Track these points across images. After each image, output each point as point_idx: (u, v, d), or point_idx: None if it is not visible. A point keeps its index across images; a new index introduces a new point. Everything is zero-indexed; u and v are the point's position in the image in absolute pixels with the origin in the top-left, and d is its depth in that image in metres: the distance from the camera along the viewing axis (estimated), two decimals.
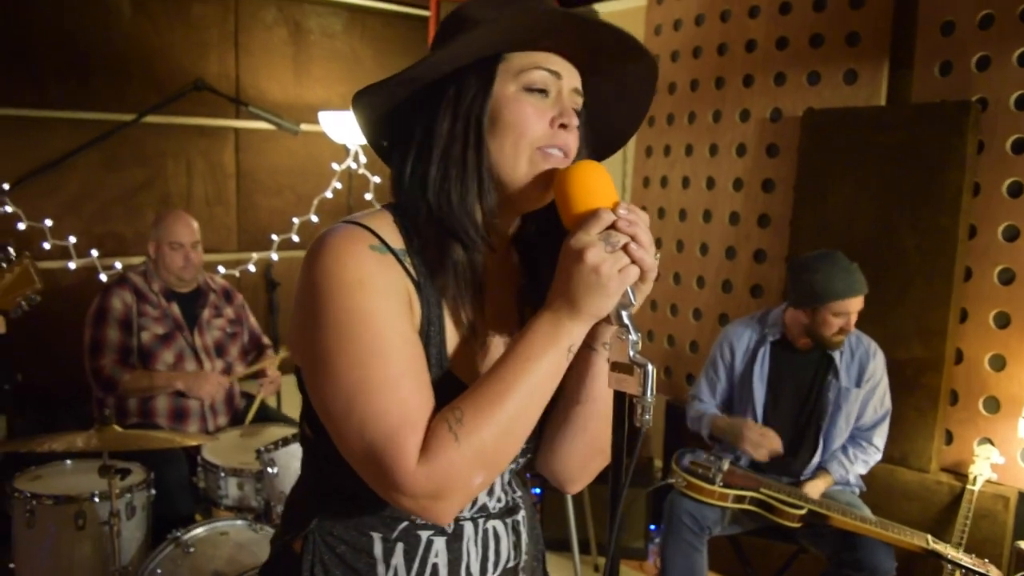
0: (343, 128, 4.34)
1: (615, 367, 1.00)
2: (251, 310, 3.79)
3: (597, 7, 4.69)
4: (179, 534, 2.50)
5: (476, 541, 1.15)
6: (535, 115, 1.05)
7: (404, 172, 1.09)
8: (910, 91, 3.25)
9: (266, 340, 3.69)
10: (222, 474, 2.85)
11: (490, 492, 1.17)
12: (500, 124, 1.05)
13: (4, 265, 2.06)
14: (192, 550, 2.47)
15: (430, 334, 1.06)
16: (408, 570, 1.10)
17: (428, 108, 1.07)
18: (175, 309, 3.31)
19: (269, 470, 2.68)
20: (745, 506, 2.82)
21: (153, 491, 2.78)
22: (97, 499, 2.59)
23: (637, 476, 3.79)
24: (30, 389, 3.73)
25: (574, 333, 0.99)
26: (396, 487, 0.94)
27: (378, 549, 1.10)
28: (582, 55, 1.09)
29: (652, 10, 4.20)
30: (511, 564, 1.20)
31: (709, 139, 3.92)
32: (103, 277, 3.97)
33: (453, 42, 1.03)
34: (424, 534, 1.11)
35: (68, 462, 2.86)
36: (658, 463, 4.04)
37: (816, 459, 2.90)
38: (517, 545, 1.21)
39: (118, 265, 4.03)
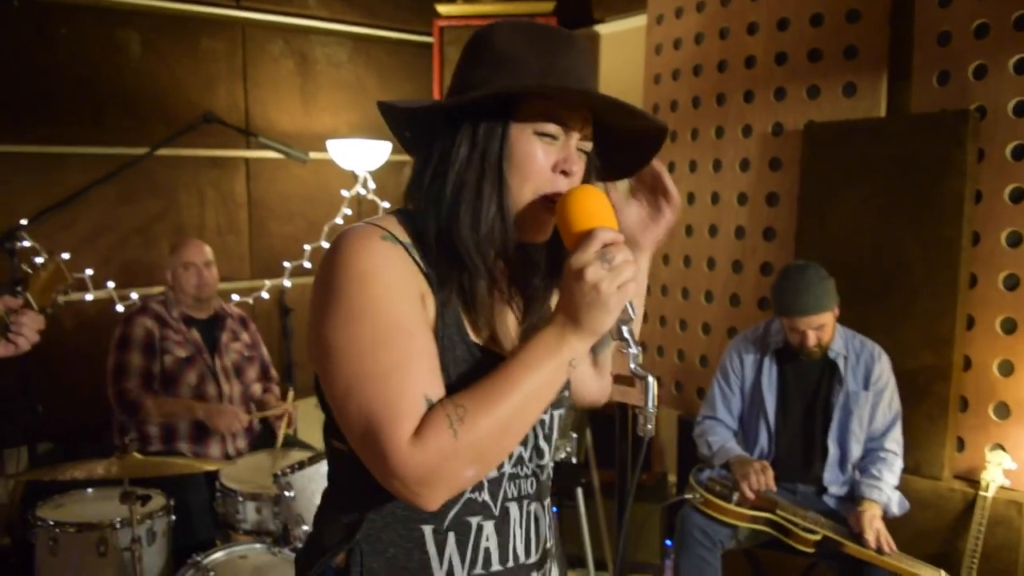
0: (351, 155, 4.40)
1: (618, 380, 1.06)
2: (266, 336, 3.85)
3: (598, 28, 4.77)
4: (199, 558, 2.54)
5: (521, 523, 1.20)
6: (543, 158, 1.11)
7: (420, 185, 1.16)
8: (909, 102, 3.28)
9: (273, 373, 3.76)
10: (240, 499, 2.89)
11: (524, 442, 1.20)
12: (509, 161, 1.11)
13: (38, 264, 2.21)
14: (212, 574, 2.51)
15: (446, 317, 1.11)
16: (462, 558, 1.14)
17: (448, 129, 1.13)
18: (195, 334, 3.42)
19: (286, 494, 2.72)
20: (760, 527, 2.82)
21: (173, 517, 2.82)
22: (119, 526, 2.64)
23: (652, 492, 3.81)
24: (51, 420, 3.78)
25: (576, 348, 1.03)
26: (388, 470, 0.98)
27: (430, 543, 1.13)
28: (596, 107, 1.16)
29: (652, 30, 4.26)
30: (548, 545, 1.26)
31: (712, 155, 3.96)
32: (120, 308, 4.02)
33: (478, 85, 1.10)
34: (474, 520, 1.15)
35: (89, 490, 2.91)
36: (672, 478, 4.05)
37: (834, 465, 2.91)
38: (550, 527, 1.27)
39: (134, 296, 4.10)
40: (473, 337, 1.14)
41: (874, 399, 2.89)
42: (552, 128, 1.11)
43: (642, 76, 4.30)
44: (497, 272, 1.19)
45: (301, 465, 2.74)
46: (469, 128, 1.11)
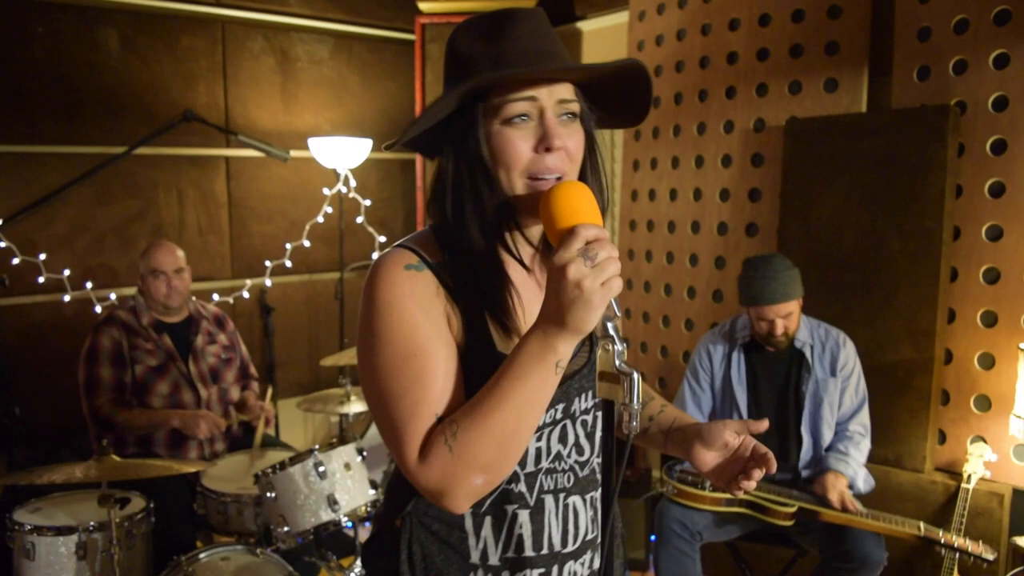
0: (333, 153, 4.38)
1: (603, 376, 1.05)
2: (247, 336, 3.80)
3: (580, 25, 4.76)
4: (180, 560, 2.52)
5: (557, 514, 1.25)
6: (520, 144, 1.13)
7: (430, 200, 1.21)
8: (890, 97, 3.30)
9: (253, 371, 3.68)
10: (221, 500, 2.86)
11: (564, 440, 1.24)
12: (491, 157, 1.13)
13: None
14: None
15: (472, 332, 1.16)
16: (496, 540, 1.22)
17: (441, 144, 1.18)
18: (167, 340, 3.32)
19: (268, 495, 2.70)
20: (736, 508, 2.85)
21: (153, 519, 2.79)
22: (97, 529, 2.60)
23: (636, 487, 3.81)
24: (28, 422, 3.74)
25: (559, 350, 1.04)
26: (410, 481, 1.10)
27: (468, 523, 1.22)
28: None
29: (634, 26, 4.26)
30: (589, 537, 1.29)
31: (695, 151, 3.97)
32: (98, 309, 3.98)
33: (439, 99, 1.12)
34: (510, 508, 1.22)
35: (68, 493, 2.86)
36: (656, 474, 4.05)
37: (808, 453, 2.93)
38: (595, 520, 1.30)
39: (112, 297, 4.06)
40: (501, 347, 1.17)
41: (842, 384, 2.93)
42: (517, 109, 1.12)
43: None
44: (523, 276, 1.22)
45: (282, 466, 2.72)
46: (450, 142, 1.16)
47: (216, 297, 4.40)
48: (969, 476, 2.90)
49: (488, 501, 1.21)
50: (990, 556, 2.59)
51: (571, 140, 1.14)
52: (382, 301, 1.12)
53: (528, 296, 1.22)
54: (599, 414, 1.28)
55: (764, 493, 2.81)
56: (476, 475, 1.06)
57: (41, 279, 3.91)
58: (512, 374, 1.05)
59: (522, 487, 1.21)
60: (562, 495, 1.25)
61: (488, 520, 1.22)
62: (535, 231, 1.21)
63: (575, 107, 1.16)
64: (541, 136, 1.12)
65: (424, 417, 1.08)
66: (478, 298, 1.17)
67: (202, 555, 2.56)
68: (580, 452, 1.26)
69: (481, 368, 1.13)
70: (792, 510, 2.76)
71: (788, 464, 2.97)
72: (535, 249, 1.24)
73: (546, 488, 1.23)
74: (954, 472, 3.03)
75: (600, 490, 1.30)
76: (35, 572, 2.60)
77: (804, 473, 2.94)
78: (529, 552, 1.23)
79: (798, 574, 3.04)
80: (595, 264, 0.98)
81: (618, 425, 1.05)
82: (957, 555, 2.64)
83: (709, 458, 1.29)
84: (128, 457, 3.06)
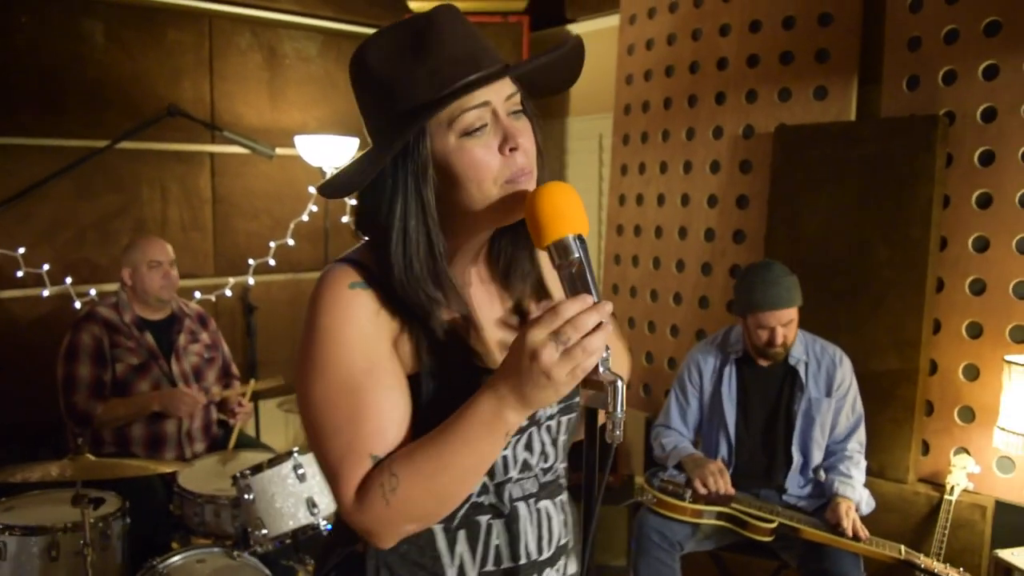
0: (319, 151, 4.34)
1: (586, 383, 1.01)
2: (229, 334, 3.76)
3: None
4: (155, 563, 2.47)
5: (531, 521, 1.19)
6: (485, 155, 1.05)
7: (360, 216, 1.16)
8: (879, 106, 3.30)
9: (234, 370, 3.64)
10: (198, 501, 2.82)
11: (530, 448, 1.18)
12: (455, 175, 1.06)
13: None
14: None
15: (435, 347, 1.10)
16: (473, 555, 1.16)
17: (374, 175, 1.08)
18: (149, 338, 3.27)
19: (245, 496, 2.65)
20: (716, 522, 2.82)
21: (128, 520, 2.74)
22: (70, 529, 2.55)
23: (618, 494, 3.79)
24: (5, 420, 3.68)
25: (511, 421, 1.00)
26: (342, 515, 1.08)
27: (441, 541, 1.15)
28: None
29: (624, 30, 4.25)
30: (562, 542, 1.24)
31: (683, 156, 3.95)
32: (78, 305, 3.93)
33: (378, 126, 1.08)
34: (483, 519, 1.16)
35: (43, 492, 2.81)
36: (639, 480, 4.03)
37: (797, 472, 2.91)
38: (565, 523, 1.26)
39: (92, 292, 4.00)
40: (474, 359, 1.12)
41: (837, 405, 2.89)
42: (473, 118, 1.04)
43: (614, 76, 4.28)
44: (477, 290, 1.18)
45: (260, 468, 2.67)
46: (391, 169, 1.07)
47: (198, 295, 4.35)
48: (952, 488, 2.89)
49: (459, 515, 1.14)
50: None
51: (527, 137, 1.08)
52: (320, 327, 1.07)
53: (482, 303, 1.18)
54: (563, 419, 1.22)
55: (745, 507, 2.79)
56: (408, 524, 1.06)
57: (20, 273, 3.85)
58: (459, 438, 1.00)
59: (492, 498, 1.16)
60: (532, 500, 1.20)
61: (462, 535, 1.15)
62: (478, 240, 1.15)
63: (518, 99, 1.09)
64: (505, 138, 1.05)
65: (358, 458, 1.04)
66: (428, 323, 1.10)
67: (177, 557, 2.51)
68: (546, 459, 1.21)
69: (450, 385, 1.09)
70: (772, 526, 2.73)
71: (774, 483, 2.94)
72: (481, 251, 1.19)
73: (516, 496, 1.18)
74: (937, 483, 3.02)
75: (565, 494, 1.27)
76: (5, 572, 2.55)
77: (792, 491, 2.91)
78: (507, 563, 1.18)
79: None
80: (567, 350, 0.93)
81: (600, 434, 1.01)
82: None
83: None
84: (105, 456, 3.02)
